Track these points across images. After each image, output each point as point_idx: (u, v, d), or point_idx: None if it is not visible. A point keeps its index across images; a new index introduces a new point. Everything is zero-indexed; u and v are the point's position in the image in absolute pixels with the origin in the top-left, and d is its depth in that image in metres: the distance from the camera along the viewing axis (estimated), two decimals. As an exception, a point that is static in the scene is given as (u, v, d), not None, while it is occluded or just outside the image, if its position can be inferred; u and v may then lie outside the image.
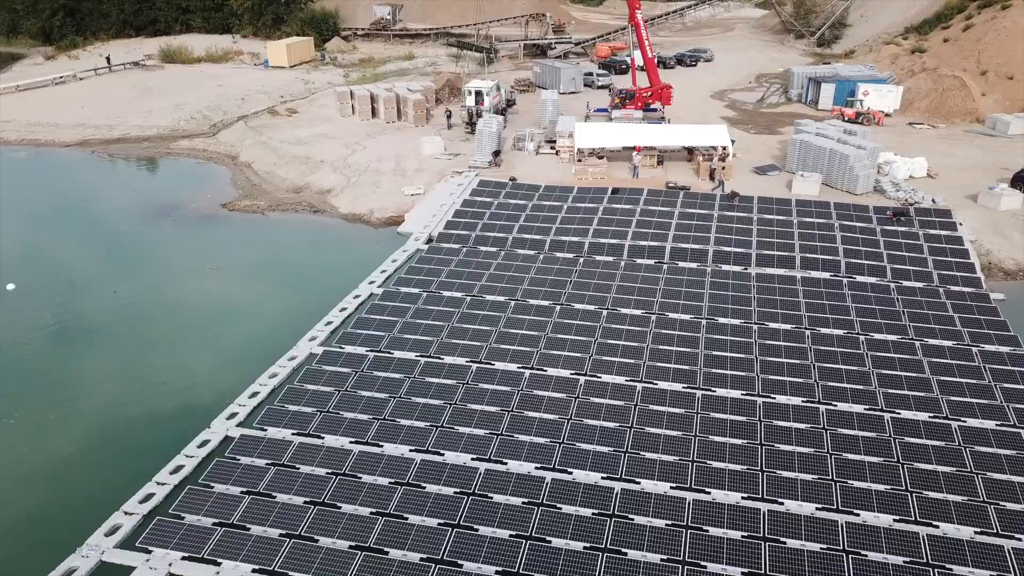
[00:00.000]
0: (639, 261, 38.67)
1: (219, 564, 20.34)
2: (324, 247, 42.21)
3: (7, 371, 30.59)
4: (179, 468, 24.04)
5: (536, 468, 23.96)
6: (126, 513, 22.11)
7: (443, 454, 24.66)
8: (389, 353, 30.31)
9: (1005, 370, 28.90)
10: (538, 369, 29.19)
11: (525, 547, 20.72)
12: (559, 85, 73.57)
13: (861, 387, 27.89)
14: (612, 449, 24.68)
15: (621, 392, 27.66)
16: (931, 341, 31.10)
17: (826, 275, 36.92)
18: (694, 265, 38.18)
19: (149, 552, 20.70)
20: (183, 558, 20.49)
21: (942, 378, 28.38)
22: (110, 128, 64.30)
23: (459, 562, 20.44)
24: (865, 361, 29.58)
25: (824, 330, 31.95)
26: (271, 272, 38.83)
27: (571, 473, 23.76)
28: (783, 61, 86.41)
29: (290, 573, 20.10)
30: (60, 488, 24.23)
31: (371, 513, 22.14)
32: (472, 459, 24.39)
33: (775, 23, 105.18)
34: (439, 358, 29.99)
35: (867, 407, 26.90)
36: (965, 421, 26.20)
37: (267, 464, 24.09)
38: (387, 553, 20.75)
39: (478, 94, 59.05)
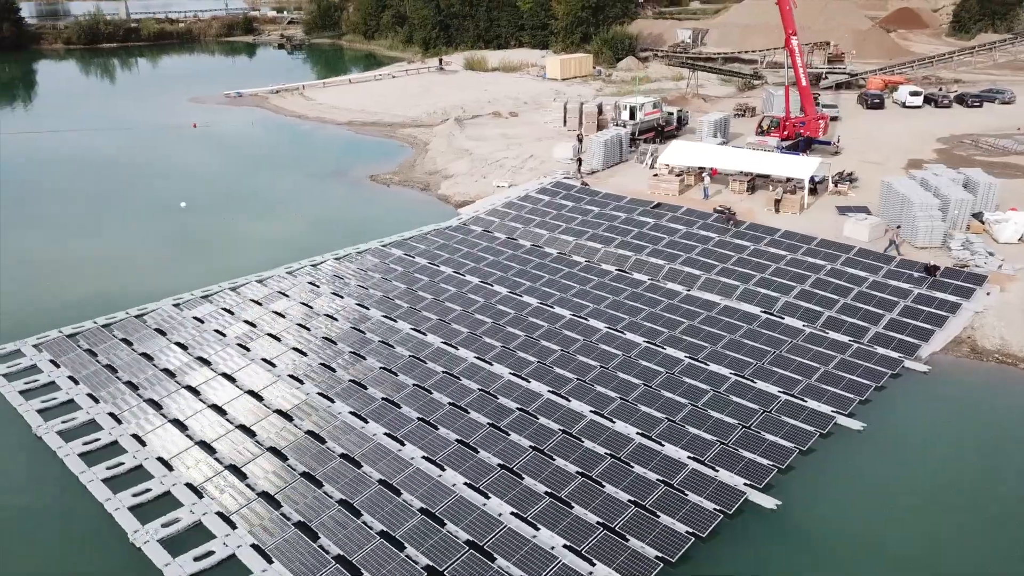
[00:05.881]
0: (604, 267, 40.47)
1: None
2: (397, 214, 50.80)
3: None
4: (111, 319, 35.40)
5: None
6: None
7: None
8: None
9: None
10: (412, 328, 34.82)
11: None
12: (773, 111, 71.86)
13: (620, 399, 28.37)
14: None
15: (471, 370, 32.16)
16: (759, 383, 29.15)
17: (754, 310, 35.03)
18: (645, 278, 38.81)
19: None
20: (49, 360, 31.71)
21: (712, 413, 27.35)
22: (372, 115, 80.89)
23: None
24: (652, 376, 29.45)
25: (670, 350, 31.69)
26: (335, 225, 48.79)
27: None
28: (1112, 113, 71.08)
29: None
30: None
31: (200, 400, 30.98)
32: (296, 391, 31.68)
33: None
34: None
35: (608, 419, 27.63)
36: (663, 447, 25.65)
37: (154, 330, 34.23)
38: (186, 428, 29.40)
39: (631, 109, 62.19)
